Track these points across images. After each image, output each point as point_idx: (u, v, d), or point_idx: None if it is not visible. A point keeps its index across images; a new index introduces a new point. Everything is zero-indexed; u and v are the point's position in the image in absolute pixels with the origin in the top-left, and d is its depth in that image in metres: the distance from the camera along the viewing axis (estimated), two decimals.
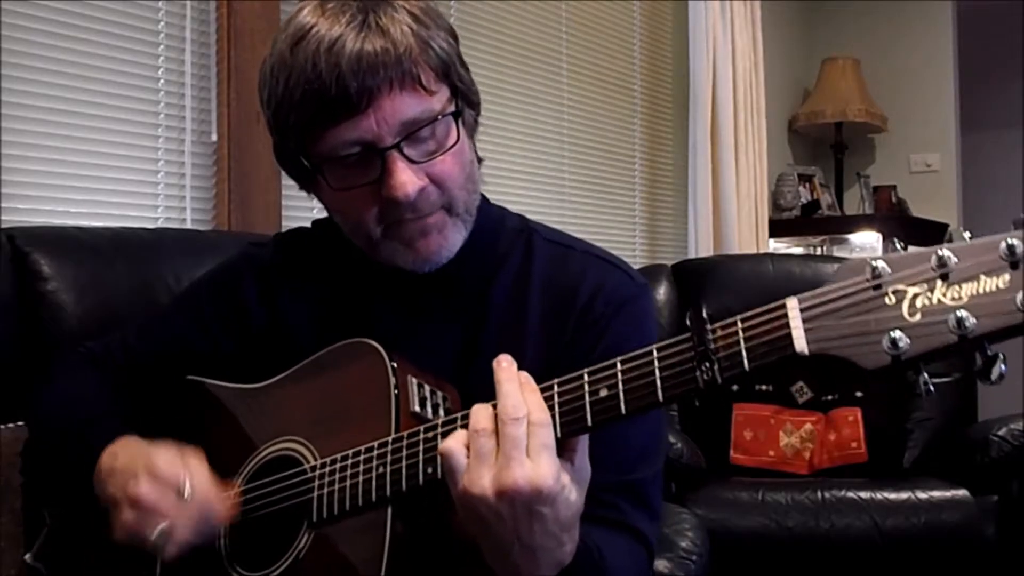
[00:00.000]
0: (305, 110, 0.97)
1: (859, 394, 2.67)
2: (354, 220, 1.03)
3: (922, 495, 2.39)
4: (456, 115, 1.01)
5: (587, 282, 1.07)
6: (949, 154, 4.70)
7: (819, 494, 2.42)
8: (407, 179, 0.97)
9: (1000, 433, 2.42)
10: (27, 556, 1.12)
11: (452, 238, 1.03)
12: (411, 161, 0.98)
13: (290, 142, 1.02)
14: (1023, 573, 2.32)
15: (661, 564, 1.70)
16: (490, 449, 0.81)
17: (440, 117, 0.99)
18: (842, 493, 2.42)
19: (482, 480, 0.81)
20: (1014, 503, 2.36)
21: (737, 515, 2.43)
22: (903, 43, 4.74)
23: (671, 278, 3.05)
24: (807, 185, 4.49)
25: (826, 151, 4.76)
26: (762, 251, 3.84)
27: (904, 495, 2.39)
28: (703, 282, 3.01)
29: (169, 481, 0.97)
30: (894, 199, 4.54)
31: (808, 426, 2.69)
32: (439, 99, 0.99)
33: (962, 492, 2.38)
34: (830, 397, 2.70)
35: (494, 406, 0.83)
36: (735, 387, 2.79)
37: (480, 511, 0.82)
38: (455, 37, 1.04)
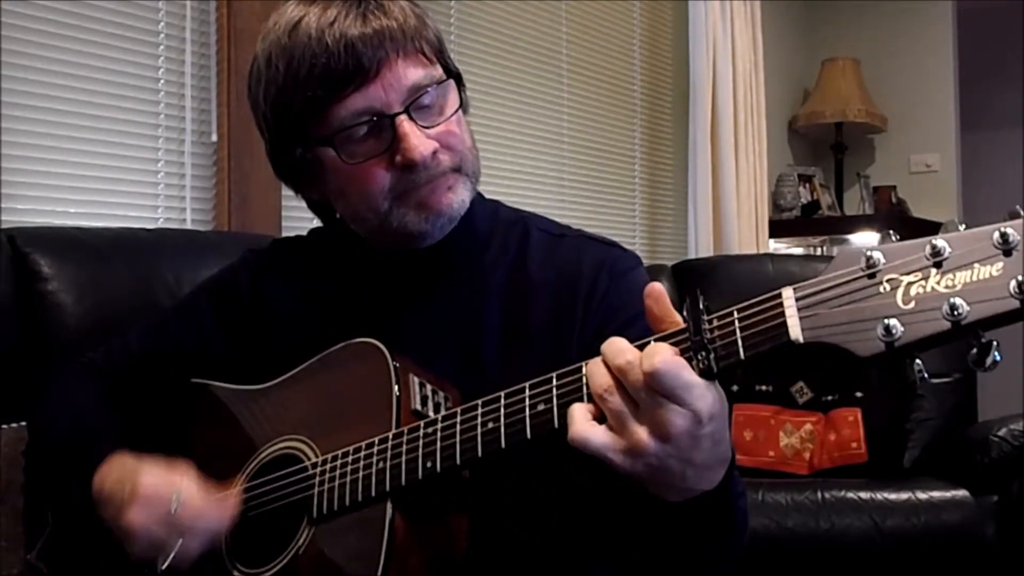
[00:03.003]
0: (312, 86, 0.98)
1: (859, 394, 2.67)
2: (362, 197, 1.02)
3: (922, 495, 2.38)
4: (456, 80, 1.04)
5: (587, 264, 1.08)
6: (949, 154, 4.70)
7: (819, 494, 2.42)
8: (420, 141, 0.98)
9: (1000, 433, 2.42)
10: (30, 555, 1.12)
11: (462, 194, 1.04)
12: (420, 126, 1.00)
13: (291, 131, 1.03)
14: (1023, 573, 2.32)
15: None
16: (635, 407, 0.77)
17: (442, 81, 1.02)
18: (842, 493, 2.42)
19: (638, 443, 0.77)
20: (1014, 503, 2.36)
21: None
22: (903, 43, 4.73)
23: (671, 278, 3.05)
24: (807, 185, 4.49)
25: (826, 151, 4.76)
26: (762, 251, 3.84)
27: (904, 495, 2.39)
28: (703, 282, 3.00)
29: (155, 501, 0.96)
30: (894, 199, 4.54)
31: (808, 426, 2.69)
32: (438, 70, 1.03)
33: (962, 492, 2.38)
34: (830, 397, 2.70)
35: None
36: (735, 388, 2.79)
37: (650, 462, 0.78)
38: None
